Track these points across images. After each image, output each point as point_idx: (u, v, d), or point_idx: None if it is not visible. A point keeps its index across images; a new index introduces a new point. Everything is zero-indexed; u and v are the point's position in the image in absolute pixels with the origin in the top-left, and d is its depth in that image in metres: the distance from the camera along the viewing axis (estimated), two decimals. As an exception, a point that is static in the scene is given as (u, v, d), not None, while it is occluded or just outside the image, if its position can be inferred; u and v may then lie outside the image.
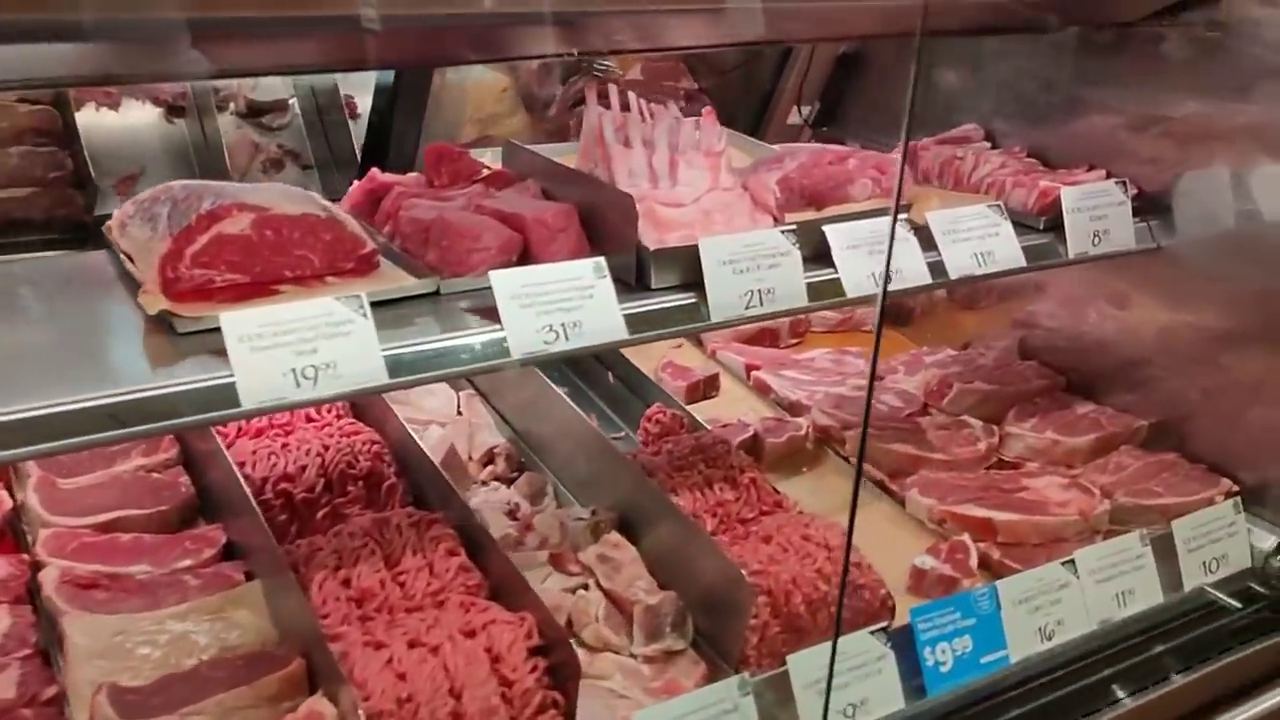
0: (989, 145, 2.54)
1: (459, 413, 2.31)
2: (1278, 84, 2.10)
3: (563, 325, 1.51)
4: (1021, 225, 2.09)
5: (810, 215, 1.87)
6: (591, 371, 2.61)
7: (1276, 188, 2.17)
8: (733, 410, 2.44)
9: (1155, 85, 2.33)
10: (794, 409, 2.42)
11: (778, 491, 1.97)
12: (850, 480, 2.22)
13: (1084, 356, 2.55)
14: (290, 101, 2.92)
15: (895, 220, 1.88)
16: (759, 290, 1.72)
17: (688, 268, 1.64)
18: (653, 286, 1.63)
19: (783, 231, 1.75)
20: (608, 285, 1.55)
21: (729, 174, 1.86)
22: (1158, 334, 2.38)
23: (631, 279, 1.64)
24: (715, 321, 1.66)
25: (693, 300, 1.64)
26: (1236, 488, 2.15)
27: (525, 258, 1.64)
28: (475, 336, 1.47)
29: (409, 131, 2.65)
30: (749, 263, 1.72)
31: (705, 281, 1.63)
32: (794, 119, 3.00)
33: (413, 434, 1.97)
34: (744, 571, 1.65)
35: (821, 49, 2.90)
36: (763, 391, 2.51)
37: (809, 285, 1.75)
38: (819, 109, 3.02)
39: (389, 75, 2.61)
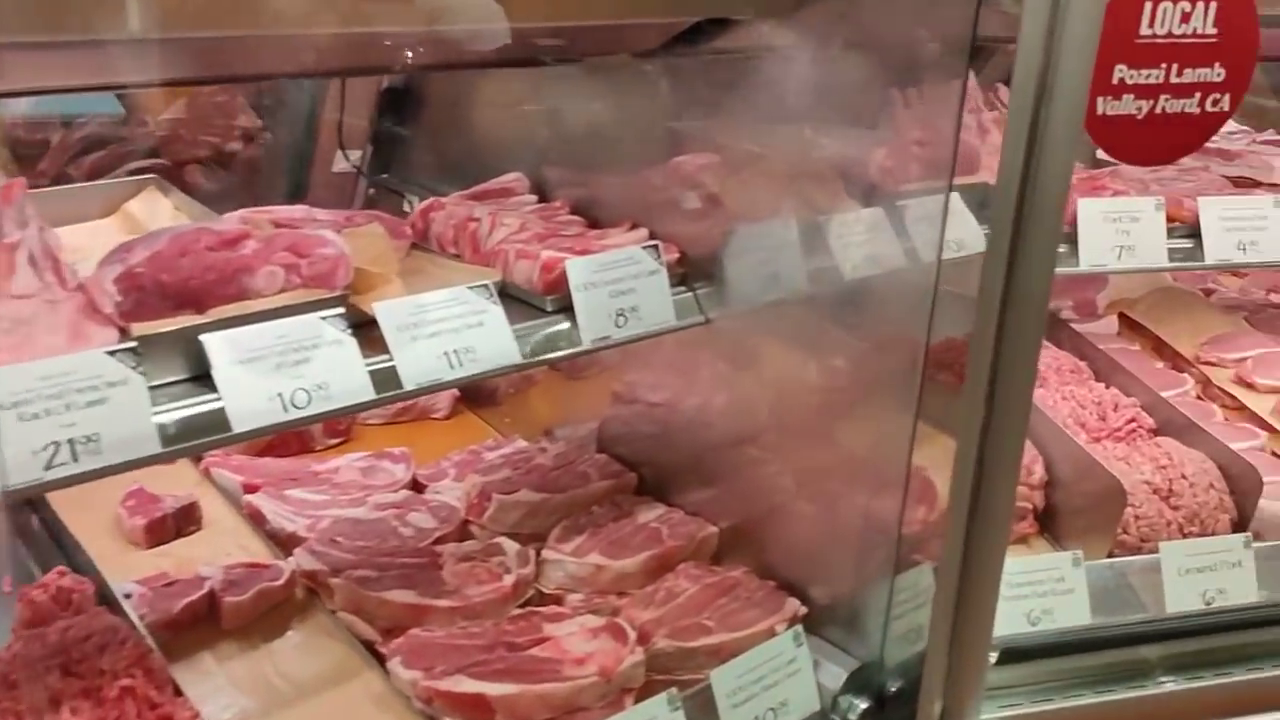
0: (534, 199, 2.11)
1: None
2: (829, 116, 1.77)
3: None
4: (530, 306, 1.67)
5: (186, 321, 1.36)
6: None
7: (843, 238, 1.84)
8: (216, 550, 1.90)
9: (709, 121, 1.97)
10: (288, 544, 1.90)
11: (178, 692, 1.44)
12: (342, 642, 1.72)
13: (664, 442, 2.16)
14: None
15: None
16: (67, 441, 1.20)
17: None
18: None
19: (115, 351, 1.23)
20: None
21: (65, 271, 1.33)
22: (733, 412, 2.01)
23: None
24: None
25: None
26: (804, 609, 1.79)
27: None
28: None
29: None
30: (51, 402, 1.19)
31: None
32: (340, 165, 2.51)
33: None
34: None
35: (357, 84, 2.42)
36: (257, 521, 1.97)
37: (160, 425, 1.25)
38: (372, 153, 2.54)
39: None
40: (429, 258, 1.84)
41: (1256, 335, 2.66)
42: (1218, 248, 2.19)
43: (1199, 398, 2.53)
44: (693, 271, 1.85)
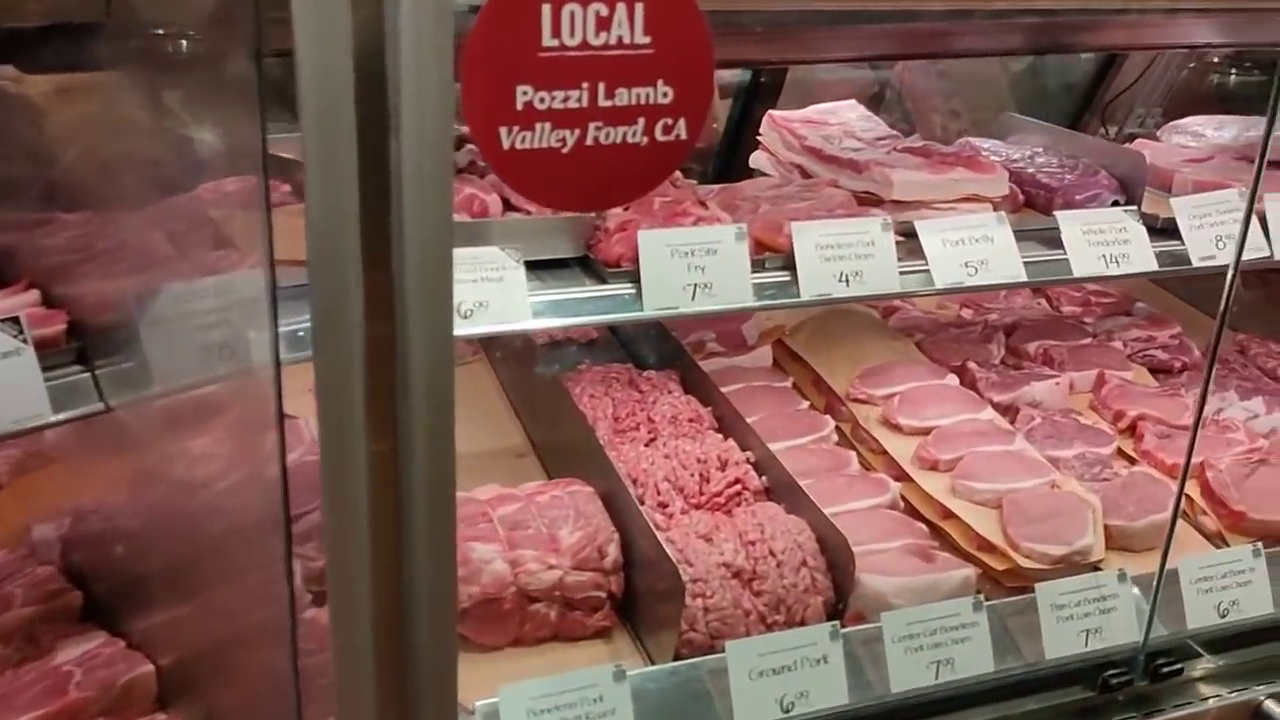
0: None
1: None
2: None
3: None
4: None
5: None
6: None
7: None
8: None
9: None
10: None
11: None
12: None
13: (127, 549, 1.73)
14: None
15: None
16: None
17: None
18: None
19: None
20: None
21: None
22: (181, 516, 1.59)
23: None
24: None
25: None
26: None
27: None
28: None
29: None
30: None
31: None
32: None
33: None
34: None
35: None
36: None
37: None
38: None
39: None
40: None
41: (914, 367, 2.36)
42: (815, 281, 1.86)
43: (840, 443, 2.22)
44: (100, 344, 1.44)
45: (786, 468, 2.05)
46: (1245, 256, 2.16)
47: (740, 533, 1.80)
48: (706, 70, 1.24)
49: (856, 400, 2.29)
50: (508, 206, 1.90)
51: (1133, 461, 2.28)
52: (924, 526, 1.98)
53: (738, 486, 1.93)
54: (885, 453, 2.16)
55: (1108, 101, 3.14)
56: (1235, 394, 2.58)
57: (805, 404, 2.29)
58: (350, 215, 0.95)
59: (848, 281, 1.88)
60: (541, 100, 1.18)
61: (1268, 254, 2.18)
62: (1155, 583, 1.86)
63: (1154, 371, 2.68)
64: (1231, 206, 2.19)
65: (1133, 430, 2.34)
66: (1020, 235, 2.08)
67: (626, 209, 1.91)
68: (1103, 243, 2.07)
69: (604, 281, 1.78)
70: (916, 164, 2.10)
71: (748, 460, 2.00)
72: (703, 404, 2.18)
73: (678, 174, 2.16)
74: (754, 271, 1.84)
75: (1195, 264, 2.12)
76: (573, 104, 1.19)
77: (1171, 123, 2.78)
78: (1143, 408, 2.36)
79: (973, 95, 3.58)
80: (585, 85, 1.19)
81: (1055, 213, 2.07)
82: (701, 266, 1.80)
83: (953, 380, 2.33)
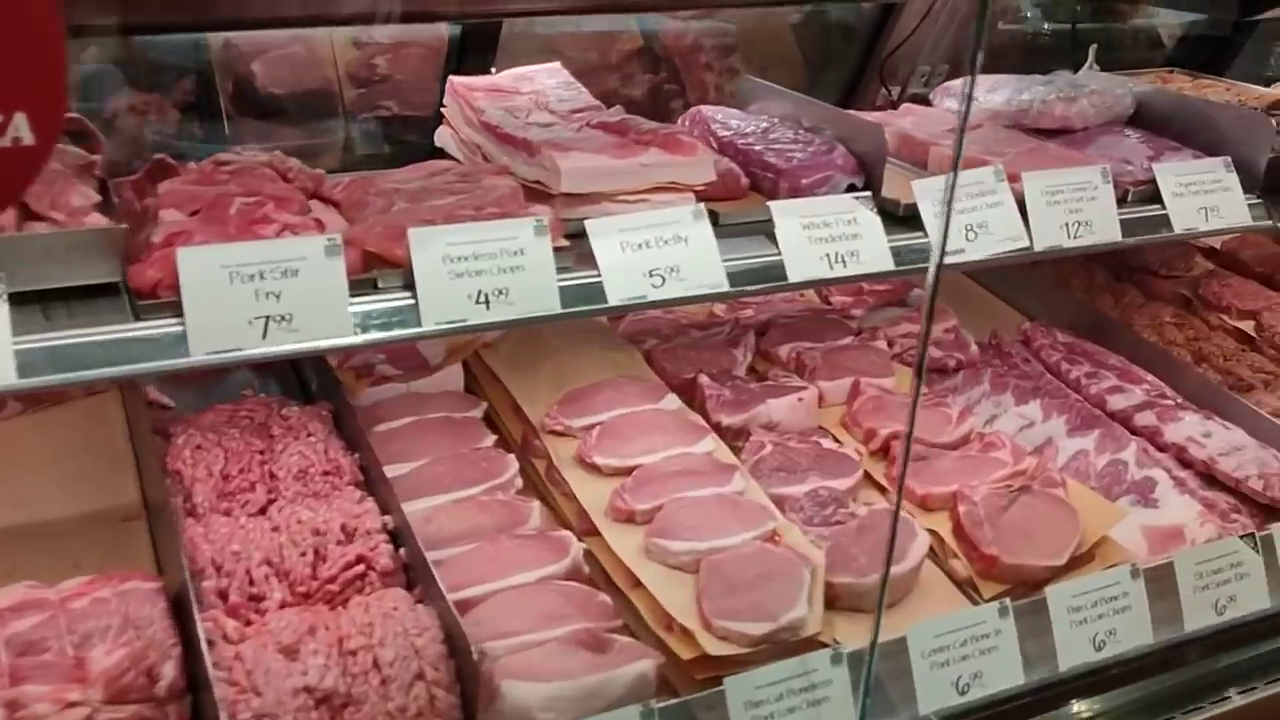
0: None
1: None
2: None
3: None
4: None
5: None
6: None
7: None
8: None
9: None
10: None
11: None
12: None
13: None
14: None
15: None
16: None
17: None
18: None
19: None
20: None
21: None
22: None
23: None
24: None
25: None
26: None
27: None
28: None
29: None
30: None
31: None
32: None
33: None
34: None
35: None
36: None
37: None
38: None
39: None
40: None
41: (624, 387, 1.95)
42: (442, 304, 1.44)
43: (530, 489, 1.82)
44: None
45: (449, 527, 1.65)
46: (1000, 250, 1.83)
47: (341, 638, 1.38)
48: (50, 50, 0.80)
49: (553, 432, 1.88)
50: (29, 215, 1.42)
51: (885, 491, 1.94)
52: (608, 600, 1.60)
53: (360, 567, 1.51)
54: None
55: (886, 56, 2.78)
56: (1011, 397, 2.27)
57: (491, 440, 1.87)
58: None
59: (487, 303, 1.46)
60: None
61: (1026, 245, 1.84)
62: (867, 661, 1.51)
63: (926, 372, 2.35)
64: (986, 188, 1.84)
65: (886, 452, 2.00)
66: (734, 231, 1.71)
67: (195, 214, 1.46)
68: (827, 239, 1.70)
69: (138, 317, 1.32)
70: (601, 146, 1.68)
71: (384, 529, 1.58)
72: (349, 450, 1.74)
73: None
74: (362, 294, 1.42)
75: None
76: None
77: (945, 83, 2.44)
78: (898, 424, 2.01)
79: (753, 50, 3.18)
80: None
81: (770, 203, 1.69)
82: (276, 293, 1.36)
83: (672, 401, 1.95)
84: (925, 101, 2.41)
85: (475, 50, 2.38)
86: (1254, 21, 3.32)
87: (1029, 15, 3.37)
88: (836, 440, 2.02)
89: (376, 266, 1.46)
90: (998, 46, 3.41)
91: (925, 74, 2.84)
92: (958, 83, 2.37)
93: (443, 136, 2.00)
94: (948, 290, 2.79)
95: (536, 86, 1.98)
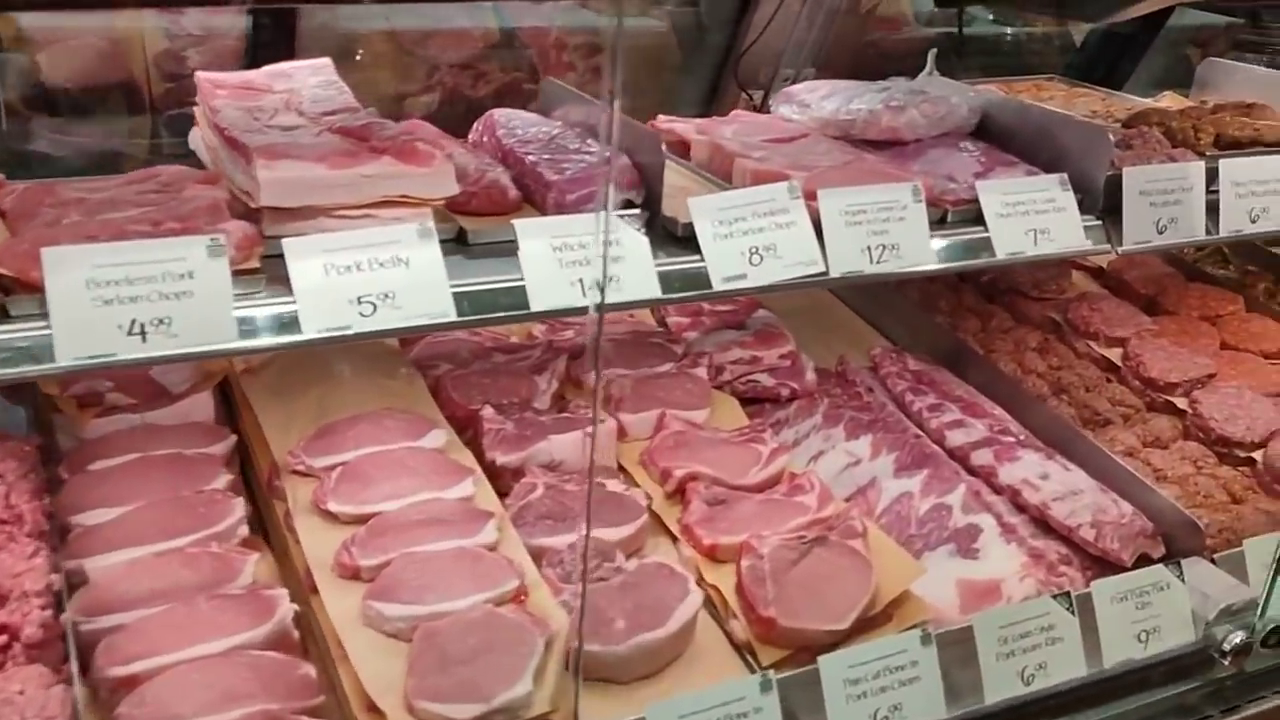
0: None
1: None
2: None
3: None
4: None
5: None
6: None
7: None
8: None
9: None
10: None
11: None
12: None
13: None
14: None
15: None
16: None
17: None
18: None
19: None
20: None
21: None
22: None
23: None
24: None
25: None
26: None
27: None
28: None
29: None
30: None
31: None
32: None
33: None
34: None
35: None
36: None
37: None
38: None
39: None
40: None
41: (382, 422, 1.75)
42: (83, 337, 1.24)
43: (251, 541, 1.62)
44: None
45: (141, 585, 1.45)
46: (789, 275, 1.64)
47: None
48: None
49: (295, 472, 1.69)
50: None
51: (678, 541, 1.75)
52: (311, 673, 1.40)
53: (3, 638, 1.31)
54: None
55: (738, 56, 2.58)
56: (843, 431, 2.08)
57: (226, 480, 1.67)
58: None
59: (143, 334, 1.27)
60: None
61: (821, 270, 1.65)
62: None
63: (757, 401, 2.16)
64: (778, 207, 1.65)
65: (683, 494, 1.81)
66: (484, 251, 1.52)
67: None
68: (581, 261, 1.51)
69: None
70: (323, 154, 1.48)
71: (47, 590, 1.38)
72: (44, 493, 1.54)
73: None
74: (-6, 324, 1.22)
75: (718, 287, 1.58)
76: None
77: (787, 88, 2.25)
78: (697, 464, 1.82)
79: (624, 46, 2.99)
80: None
81: (515, 222, 1.50)
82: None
83: (436, 438, 1.75)
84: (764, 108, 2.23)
85: (270, 44, 2.18)
86: (1154, 28, 3.15)
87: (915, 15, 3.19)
88: (632, 481, 1.84)
89: (16, 291, 1.26)
90: (889, 50, 3.23)
91: (789, 77, 2.65)
92: (799, 87, 2.18)
93: (194, 139, 1.80)
94: (808, 309, 2.62)
95: (293, 84, 1.78)
